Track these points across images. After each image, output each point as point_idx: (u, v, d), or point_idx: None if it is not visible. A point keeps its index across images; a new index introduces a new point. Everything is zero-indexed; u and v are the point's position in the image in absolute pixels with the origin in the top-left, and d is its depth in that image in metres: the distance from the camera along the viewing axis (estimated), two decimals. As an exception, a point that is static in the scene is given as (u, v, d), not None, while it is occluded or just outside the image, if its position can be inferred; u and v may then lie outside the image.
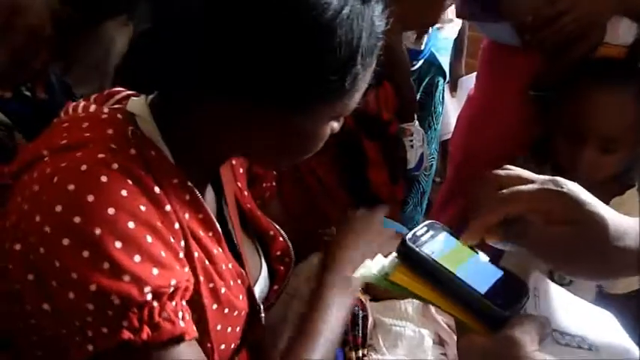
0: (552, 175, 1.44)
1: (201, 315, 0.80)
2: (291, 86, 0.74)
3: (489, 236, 0.70)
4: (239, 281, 0.89)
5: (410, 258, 0.67)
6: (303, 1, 0.71)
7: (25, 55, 1.13)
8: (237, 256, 0.93)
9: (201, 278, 0.80)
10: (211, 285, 0.82)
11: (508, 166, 0.73)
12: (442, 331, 1.24)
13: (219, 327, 0.83)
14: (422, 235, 0.69)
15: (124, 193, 0.71)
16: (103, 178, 0.71)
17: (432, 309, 1.21)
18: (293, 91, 0.75)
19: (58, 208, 0.69)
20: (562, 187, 0.66)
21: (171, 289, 0.72)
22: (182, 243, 0.78)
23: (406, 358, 1.15)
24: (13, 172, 0.79)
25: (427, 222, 0.72)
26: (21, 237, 0.71)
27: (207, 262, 0.82)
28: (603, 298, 1.42)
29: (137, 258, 0.70)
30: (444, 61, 2.24)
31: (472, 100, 1.76)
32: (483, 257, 0.71)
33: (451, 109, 2.48)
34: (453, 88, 2.60)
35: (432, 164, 2.10)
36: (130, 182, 0.73)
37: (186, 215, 0.80)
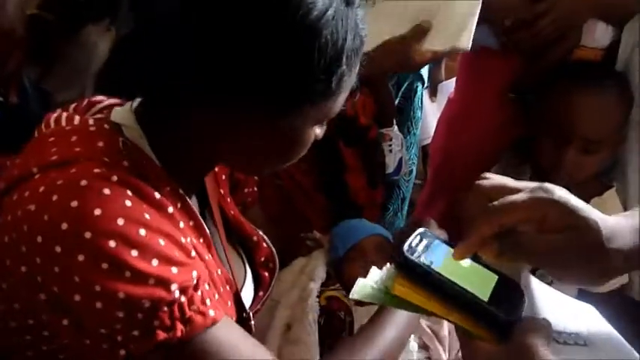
0: (533, 175, 1.46)
1: None
2: (278, 86, 0.74)
3: (484, 251, 0.69)
4: (227, 287, 0.88)
5: (409, 269, 0.66)
6: (289, 1, 0.71)
7: None
8: (223, 263, 0.92)
9: None
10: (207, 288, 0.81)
11: (488, 175, 0.73)
12: (425, 335, 1.24)
13: None
14: (417, 244, 0.68)
15: (128, 203, 0.71)
16: (106, 191, 0.71)
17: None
18: (279, 91, 0.74)
19: (64, 226, 0.68)
20: (553, 195, 0.66)
21: (195, 281, 0.74)
22: (189, 239, 0.78)
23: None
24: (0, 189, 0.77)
25: (419, 231, 0.71)
26: (25, 259, 0.71)
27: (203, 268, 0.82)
28: (584, 296, 1.43)
29: (155, 262, 0.71)
30: (422, 66, 2.24)
31: (451, 103, 1.77)
32: (478, 262, 0.70)
33: (431, 114, 2.48)
34: (433, 93, 2.60)
35: (411, 169, 2.09)
36: (129, 193, 0.72)
37: (181, 223, 0.80)
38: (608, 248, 0.64)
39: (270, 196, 1.34)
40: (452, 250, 0.69)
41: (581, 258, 0.65)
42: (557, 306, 0.75)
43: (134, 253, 0.69)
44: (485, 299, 0.65)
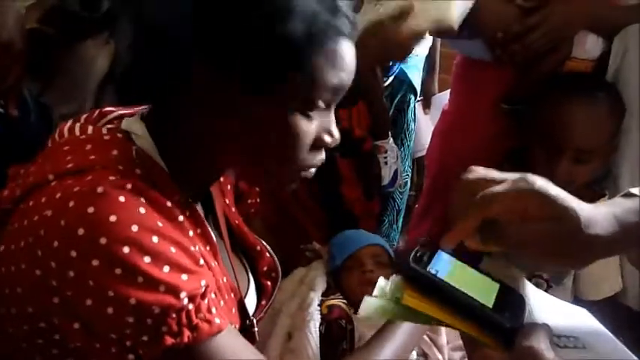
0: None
1: None
2: (251, 64, 0.75)
3: (469, 241, 0.71)
4: (232, 295, 0.89)
5: (417, 279, 0.67)
6: None
7: None
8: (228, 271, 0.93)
9: None
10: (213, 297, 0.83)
11: (473, 168, 0.75)
12: (424, 343, 1.26)
13: None
14: (422, 255, 0.70)
15: (142, 210, 0.73)
16: (121, 199, 0.72)
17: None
18: (253, 70, 0.76)
19: (81, 232, 0.70)
20: (533, 185, 0.69)
21: (202, 289, 0.75)
22: (197, 247, 0.80)
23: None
24: (15, 196, 0.79)
25: (422, 242, 0.72)
26: (40, 263, 0.72)
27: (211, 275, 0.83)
28: (579, 303, 1.45)
29: (166, 269, 0.72)
30: (415, 78, 2.25)
31: (446, 115, 1.79)
32: (479, 271, 0.72)
33: (424, 126, 2.48)
34: (426, 106, 2.60)
35: (405, 181, 2.11)
36: (143, 200, 0.74)
37: (190, 232, 0.81)
38: (587, 234, 0.67)
39: (267, 206, 1.35)
40: (455, 260, 0.71)
41: (561, 245, 0.68)
42: (555, 311, 0.76)
43: (147, 259, 0.71)
44: (490, 306, 0.67)
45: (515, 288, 0.73)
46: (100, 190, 0.72)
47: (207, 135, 0.81)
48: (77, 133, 0.84)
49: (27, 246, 0.73)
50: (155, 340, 0.72)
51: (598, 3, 1.44)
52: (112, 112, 0.88)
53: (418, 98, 2.34)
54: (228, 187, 1.06)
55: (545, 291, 1.29)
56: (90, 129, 0.84)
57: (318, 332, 1.20)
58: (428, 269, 0.68)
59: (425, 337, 1.25)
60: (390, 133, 1.87)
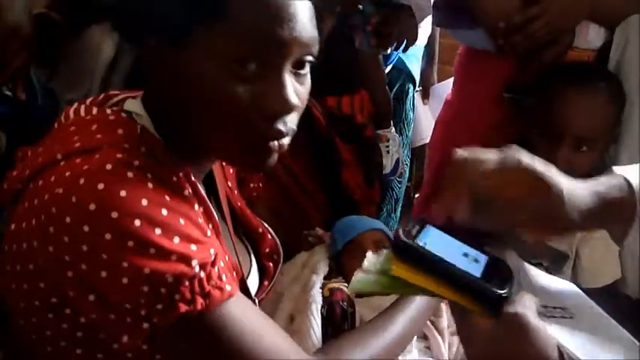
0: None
1: None
2: (159, 12, 0.77)
3: (459, 214, 0.75)
4: (234, 273, 0.91)
5: (406, 251, 0.70)
6: None
7: (3, 55, 1.14)
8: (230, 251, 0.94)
9: None
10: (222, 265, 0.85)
11: (464, 148, 0.79)
12: (424, 325, 1.27)
13: None
14: (412, 229, 0.72)
15: (150, 185, 0.75)
16: (130, 174, 0.74)
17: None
18: (167, 18, 0.76)
19: (92, 207, 0.72)
20: (520, 163, 0.74)
21: (212, 257, 0.77)
22: (202, 220, 0.81)
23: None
24: (24, 176, 0.81)
25: (414, 218, 0.75)
26: (53, 239, 0.74)
27: None
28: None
29: (177, 239, 0.74)
30: (414, 68, 2.26)
31: (449, 104, 1.80)
32: (467, 243, 0.75)
33: (423, 116, 2.50)
34: (425, 96, 2.61)
35: (404, 171, 2.13)
36: (150, 176, 0.76)
37: (196, 206, 0.83)
38: (569, 207, 0.73)
39: (269, 190, 1.36)
40: (444, 234, 0.74)
41: (546, 217, 0.74)
42: (543, 283, 0.80)
43: (157, 231, 0.73)
44: (478, 275, 0.69)
45: (503, 259, 0.75)
46: (108, 167, 0.74)
47: (172, 106, 0.82)
48: (83, 114, 0.86)
49: (38, 224, 0.75)
50: (169, 308, 0.74)
51: (599, -7, 1.45)
52: (117, 94, 0.90)
53: (417, 88, 2.35)
54: (231, 170, 1.07)
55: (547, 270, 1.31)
56: (95, 110, 0.86)
57: (320, 314, 1.22)
58: (416, 241, 0.70)
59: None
60: (391, 122, 1.89)
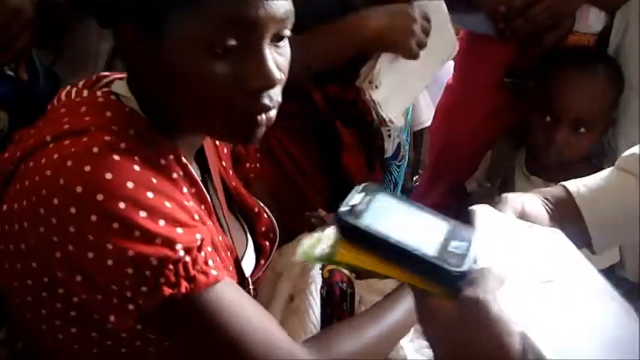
0: (528, 158, 1.51)
1: None
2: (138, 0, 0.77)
3: None
4: (228, 253, 0.92)
5: (350, 234, 0.61)
6: None
7: (6, 36, 1.16)
8: (224, 230, 0.96)
9: None
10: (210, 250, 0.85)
11: None
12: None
13: None
14: (357, 204, 0.62)
15: (136, 168, 0.76)
16: (116, 157, 0.75)
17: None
18: (142, 6, 0.77)
19: (79, 189, 0.73)
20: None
21: (198, 242, 0.78)
22: (191, 204, 0.82)
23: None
24: (15, 158, 0.82)
25: (361, 186, 0.65)
26: (43, 220, 0.75)
27: None
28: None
29: (162, 222, 0.75)
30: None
31: (450, 89, 1.81)
32: (427, 211, 0.65)
33: (422, 100, 2.48)
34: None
35: (405, 155, 2.12)
36: (137, 159, 0.77)
37: (185, 189, 0.84)
38: None
39: (269, 173, 1.37)
40: (399, 202, 0.65)
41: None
42: (518, 245, 0.71)
43: (143, 214, 0.73)
44: (433, 253, 0.60)
45: (468, 227, 0.66)
46: (95, 150, 0.75)
47: (155, 91, 0.83)
48: (73, 96, 0.87)
49: (29, 205, 0.76)
50: (154, 291, 0.75)
51: (600, -23, 1.45)
52: (107, 76, 0.91)
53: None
54: (225, 150, 1.08)
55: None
56: (85, 92, 0.87)
57: (319, 295, 1.23)
58: (361, 220, 0.60)
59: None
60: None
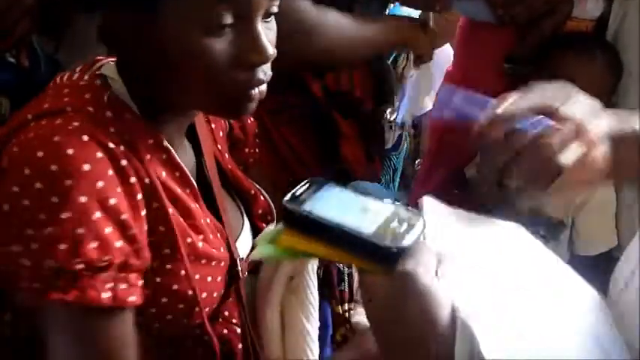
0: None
1: (178, 266, 0.85)
2: None
3: None
4: (218, 235, 0.93)
5: (291, 219, 0.65)
6: None
7: (6, 22, 1.17)
8: (217, 212, 0.97)
9: (177, 233, 0.84)
10: (189, 240, 0.87)
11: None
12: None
13: (197, 276, 0.87)
14: (301, 193, 0.67)
15: (86, 167, 0.75)
16: (70, 151, 0.75)
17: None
18: None
19: (27, 172, 0.75)
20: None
21: (105, 263, 0.76)
22: (143, 212, 0.81)
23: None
24: (2, 135, 0.83)
25: (308, 180, 0.69)
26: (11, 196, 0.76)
27: (181, 219, 0.86)
28: (574, 260, 1.49)
29: (80, 230, 0.74)
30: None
31: (450, 75, 1.81)
32: (373, 198, 0.68)
33: (422, 87, 2.48)
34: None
35: (405, 143, 2.13)
36: (98, 154, 0.77)
37: (163, 173, 0.84)
38: None
39: (267, 160, 1.37)
40: (346, 192, 0.69)
41: None
42: (466, 232, 0.72)
43: (66, 214, 0.74)
44: (370, 232, 0.63)
45: (413, 210, 0.68)
46: (56, 138, 0.76)
47: (147, 70, 0.84)
48: (65, 80, 0.88)
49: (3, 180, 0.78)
50: (43, 290, 0.74)
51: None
52: (104, 59, 0.92)
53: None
54: (221, 133, 1.09)
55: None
56: (75, 76, 0.88)
57: (316, 275, 1.25)
58: (303, 206, 0.65)
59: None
60: (394, 97, 1.88)
